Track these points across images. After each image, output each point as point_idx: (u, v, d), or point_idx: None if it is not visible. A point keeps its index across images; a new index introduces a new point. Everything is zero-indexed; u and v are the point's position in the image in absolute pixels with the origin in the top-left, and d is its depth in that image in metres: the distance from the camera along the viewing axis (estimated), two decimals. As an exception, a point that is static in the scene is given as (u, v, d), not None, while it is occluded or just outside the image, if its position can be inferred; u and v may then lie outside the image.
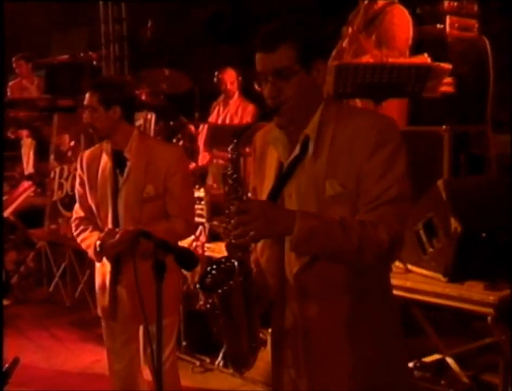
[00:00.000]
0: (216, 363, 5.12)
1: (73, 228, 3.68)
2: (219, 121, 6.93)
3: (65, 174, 6.67)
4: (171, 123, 6.37)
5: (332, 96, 2.26)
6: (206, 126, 6.55)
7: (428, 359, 4.43)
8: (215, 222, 5.38)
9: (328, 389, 2.23)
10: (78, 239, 3.62)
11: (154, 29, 7.47)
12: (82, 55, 8.26)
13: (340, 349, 2.20)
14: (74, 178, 6.50)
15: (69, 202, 6.60)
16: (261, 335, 2.18)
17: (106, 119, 3.44)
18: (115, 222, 3.50)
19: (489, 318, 3.65)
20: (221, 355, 5.11)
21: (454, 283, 3.84)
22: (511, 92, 5.23)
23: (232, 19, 9.99)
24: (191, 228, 3.58)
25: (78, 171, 3.68)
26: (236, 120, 6.80)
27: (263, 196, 2.26)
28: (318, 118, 2.17)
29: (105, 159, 3.55)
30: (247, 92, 7.15)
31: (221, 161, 6.64)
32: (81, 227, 3.61)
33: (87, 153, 3.67)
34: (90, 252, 3.52)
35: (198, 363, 5.15)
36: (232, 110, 6.92)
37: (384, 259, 2.19)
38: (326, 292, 2.19)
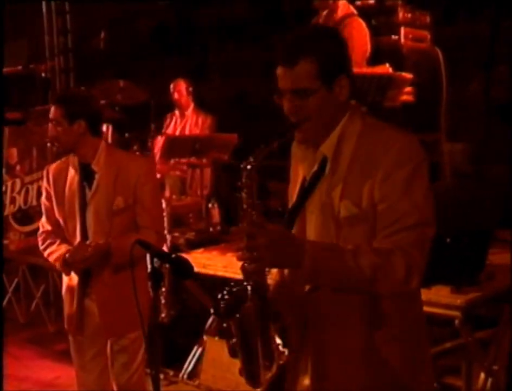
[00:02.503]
0: (180, 375, 5.08)
1: (40, 242, 3.62)
2: (177, 133, 6.92)
3: (18, 188, 6.54)
4: (126, 134, 6.33)
5: (358, 107, 2.09)
6: (163, 137, 6.53)
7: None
8: (176, 234, 5.39)
9: None
10: (46, 253, 3.57)
11: (107, 39, 7.41)
12: (31, 66, 8.12)
13: (353, 375, 2.11)
14: (27, 192, 6.45)
15: (21, 217, 6.50)
16: (280, 348, 2.10)
17: (70, 133, 3.39)
18: (84, 235, 3.46)
19: (456, 321, 3.73)
20: (185, 367, 5.08)
21: (421, 288, 3.90)
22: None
23: (177, 31, 9.99)
24: (161, 239, 3.57)
25: (45, 184, 3.63)
26: (196, 131, 6.80)
27: None
28: (338, 134, 2.08)
29: (72, 173, 3.50)
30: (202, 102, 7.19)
31: (177, 172, 6.64)
32: (48, 241, 3.56)
33: (53, 166, 3.62)
34: (58, 266, 3.48)
35: (162, 376, 5.10)
36: (191, 121, 6.92)
37: (399, 290, 2.03)
38: (338, 314, 2.10)
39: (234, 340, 2.11)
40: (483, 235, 4.03)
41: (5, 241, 6.64)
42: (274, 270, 2.27)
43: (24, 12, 9.52)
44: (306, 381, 2.19)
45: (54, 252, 3.51)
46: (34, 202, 6.38)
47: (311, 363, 2.16)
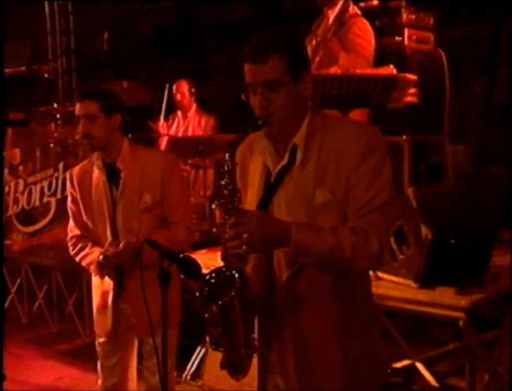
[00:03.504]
0: (183, 376, 5.08)
1: (70, 248, 3.59)
2: (180, 134, 6.92)
3: (21, 188, 6.53)
4: (129, 135, 6.32)
5: (315, 106, 2.31)
6: (166, 138, 6.54)
7: (398, 364, 4.51)
8: (180, 235, 5.37)
9: None
10: (78, 257, 3.54)
11: (110, 40, 7.42)
12: (34, 67, 8.13)
13: (330, 353, 2.25)
14: (30, 192, 6.45)
15: (24, 217, 6.49)
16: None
17: (107, 127, 3.36)
18: (114, 236, 3.43)
19: (461, 322, 3.73)
20: (188, 368, 5.08)
21: (426, 289, 3.92)
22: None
23: (179, 32, 10.00)
24: (191, 234, 3.56)
25: (69, 189, 3.61)
26: (199, 132, 6.81)
27: (248, 205, 2.28)
28: (306, 127, 2.23)
29: (97, 174, 3.47)
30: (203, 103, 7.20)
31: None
32: (80, 245, 3.54)
33: (76, 169, 3.60)
34: (92, 269, 3.46)
35: (165, 377, 5.09)
36: (194, 122, 6.93)
37: (375, 265, 2.33)
38: (314, 298, 2.23)
39: (216, 330, 2.16)
40: (487, 237, 4.04)
41: (8, 242, 6.64)
42: None
43: (26, 13, 9.52)
44: (288, 372, 2.29)
45: (87, 255, 3.49)
46: (37, 203, 6.38)
47: (292, 352, 2.27)
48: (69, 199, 3.62)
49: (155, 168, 3.44)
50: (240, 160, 2.36)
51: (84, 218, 3.53)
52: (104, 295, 3.51)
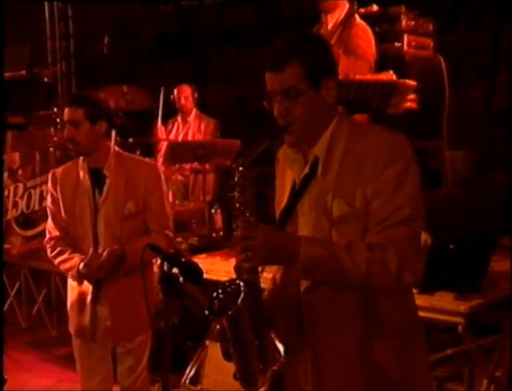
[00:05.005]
0: (182, 380, 5.07)
1: (48, 250, 3.59)
2: (180, 138, 6.93)
3: (20, 192, 6.54)
4: (130, 140, 6.34)
5: (345, 112, 2.19)
6: (165, 143, 6.55)
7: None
8: (179, 239, 5.39)
9: None
10: (56, 261, 3.55)
11: (110, 45, 7.42)
12: (36, 71, 8.14)
13: (350, 372, 2.15)
14: (29, 196, 6.45)
15: (24, 221, 6.50)
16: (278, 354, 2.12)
17: (91, 134, 3.39)
18: (95, 240, 3.46)
19: (460, 327, 3.73)
20: (187, 372, 5.08)
21: (425, 294, 3.92)
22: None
23: (179, 36, 10.00)
24: (171, 242, 3.59)
25: (50, 189, 3.61)
26: (199, 137, 6.82)
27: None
28: (329, 136, 2.15)
29: (82, 177, 3.49)
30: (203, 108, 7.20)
31: (180, 177, 6.65)
32: (58, 249, 3.54)
33: (59, 170, 3.61)
34: (71, 275, 3.47)
35: (164, 381, 5.08)
36: (194, 126, 6.94)
37: (393, 283, 2.08)
38: (334, 313, 2.15)
39: (228, 341, 2.14)
40: (486, 242, 4.05)
41: (7, 245, 6.63)
42: (269, 276, 2.32)
43: (26, 17, 9.52)
44: (307, 383, 2.23)
45: (66, 261, 3.50)
46: (36, 207, 6.39)
47: (310, 365, 2.20)
48: (49, 199, 3.63)
49: (140, 177, 3.49)
50: (281, 167, 2.35)
51: (64, 217, 3.53)
52: (81, 297, 3.53)
